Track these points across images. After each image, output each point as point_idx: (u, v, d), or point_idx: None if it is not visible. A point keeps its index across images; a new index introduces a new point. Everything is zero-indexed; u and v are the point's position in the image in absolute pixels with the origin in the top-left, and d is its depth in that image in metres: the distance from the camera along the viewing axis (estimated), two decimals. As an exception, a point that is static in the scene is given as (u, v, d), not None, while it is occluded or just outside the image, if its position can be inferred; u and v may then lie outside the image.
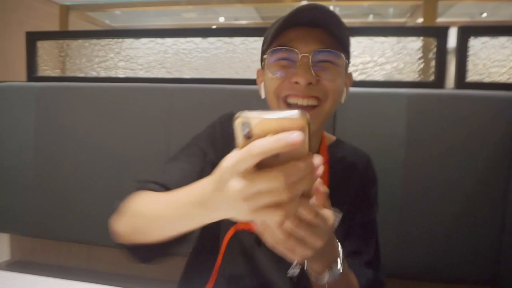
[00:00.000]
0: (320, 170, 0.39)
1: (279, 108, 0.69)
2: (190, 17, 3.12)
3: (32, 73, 1.37)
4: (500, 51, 1.09)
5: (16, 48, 1.53)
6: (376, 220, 0.81)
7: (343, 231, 0.75)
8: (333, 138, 0.87)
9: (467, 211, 1.01)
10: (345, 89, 0.72)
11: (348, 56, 0.71)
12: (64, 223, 1.22)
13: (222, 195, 0.40)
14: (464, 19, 3.72)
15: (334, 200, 0.70)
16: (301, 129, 0.35)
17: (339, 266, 0.57)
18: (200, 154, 0.75)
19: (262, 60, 0.74)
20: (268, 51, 0.69)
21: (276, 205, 0.38)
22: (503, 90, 1.04)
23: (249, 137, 0.36)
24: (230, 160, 0.37)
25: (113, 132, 1.18)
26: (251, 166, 0.36)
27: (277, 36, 0.67)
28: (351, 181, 0.79)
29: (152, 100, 1.17)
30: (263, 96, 0.74)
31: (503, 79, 1.11)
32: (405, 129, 1.02)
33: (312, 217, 0.44)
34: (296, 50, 0.65)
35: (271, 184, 0.36)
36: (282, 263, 0.67)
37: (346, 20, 0.67)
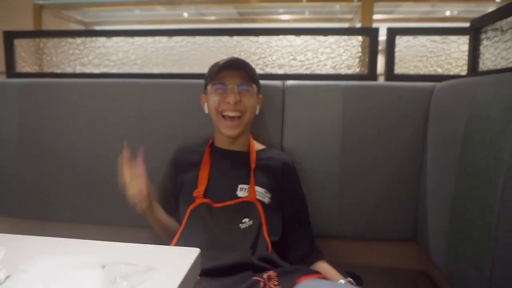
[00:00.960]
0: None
1: (218, 119, 1.07)
2: (160, 13, 3.23)
3: (11, 70, 1.48)
4: (420, 49, 1.30)
5: None
6: (302, 196, 1.15)
7: (276, 206, 1.07)
8: (263, 146, 1.20)
9: (392, 183, 1.20)
10: (257, 105, 1.11)
11: (258, 85, 1.10)
12: (46, 203, 1.36)
13: None
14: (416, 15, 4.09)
15: (265, 182, 1.07)
16: None
17: None
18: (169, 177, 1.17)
19: (205, 88, 1.11)
20: (210, 83, 1.07)
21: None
22: (423, 81, 1.24)
23: None
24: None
25: (90, 123, 1.31)
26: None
27: (216, 75, 1.05)
28: (274, 173, 1.10)
29: (125, 94, 1.30)
30: (206, 111, 1.12)
31: (423, 71, 1.32)
32: (341, 116, 1.21)
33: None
34: (227, 84, 1.04)
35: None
36: (227, 223, 0.99)
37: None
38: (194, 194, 1.04)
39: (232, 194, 1.03)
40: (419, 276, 1.22)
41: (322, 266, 1.05)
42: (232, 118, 1.05)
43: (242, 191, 1.04)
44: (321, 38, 1.33)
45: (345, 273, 1.22)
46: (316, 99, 1.23)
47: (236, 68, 1.05)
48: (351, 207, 1.23)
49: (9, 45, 1.48)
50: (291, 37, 1.35)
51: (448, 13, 4.46)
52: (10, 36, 1.48)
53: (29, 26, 1.65)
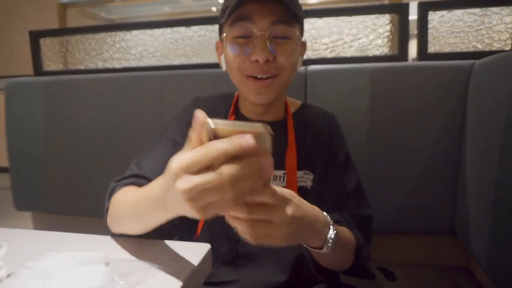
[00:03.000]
0: (270, 171, 0.41)
1: (241, 81, 0.76)
2: (188, 4, 3.20)
3: (38, 68, 1.51)
4: (456, 24, 1.18)
5: (22, 40, 1.68)
6: (354, 169, 0.86)
7: (319, 191, 0.81)
8: (299, 103, 0.91)
9: (427, 172, 1.11)
10: (300, 58, 0.79)
11: (302, 27, 0.77)
12: (74, 198, 1.38)
13: (172, 194, 0.41)
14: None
15: (305, 163, 0.80)
16: (259, 136, 0.38)
17: (333, 235, 0.60)
18: (171, 143, 0.80)
19: (220, 31, 0.79)
20: (227, 23, 0.72)
21: (222, 203, 0.39)
22: (460, 59, 1.13)
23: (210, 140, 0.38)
24: (182, 160, 0.38)
25: (113, 116, 1.32)
26: (204, 167, 0.37)
27: (235, 9, 0.69)
28: (318, 142, 0.84)
29: (146, 86, 1.29)
30: (224, 68, 0.80)
31: (460, 48, 1.20)
32: (369, 101, 1.13)
33: (269, 199, 0.46)
34: (254, 25, 0.69)
35: (214, 183, 0.36)
36: None
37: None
38: None
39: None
40: (460, 273, 1.13)
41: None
42: (262, 79, 0.74)
43: (277, 180, 0.80)
44: (345, 18, 1.24)
45: (377, 269, 1.15)
46: (341, 84, 1.15)
47: (273, 2, 0.68)
48: (382, 199, 1.14)
49: (35, 44, 1.51)
50: (313, 19, 1.27)
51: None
52: (36, 36, 1.51)
53: (54, 25, 1.68)
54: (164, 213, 0.50)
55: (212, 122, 0.39)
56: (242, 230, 0.47)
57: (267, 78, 0.73)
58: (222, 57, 0.79)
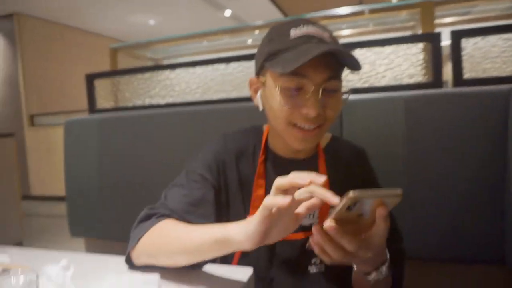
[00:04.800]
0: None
1: (287, 129, 0.74)
2: (226, 41, 3.43)
3: (92, 107, 1.67)
4: (491, 49, 1.18)
5: (77, 78, 1.88)
6: None
7: None
8: (329, 136, 0.91)
9: (469, 197, 1.08)
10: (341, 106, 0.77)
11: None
12: (125, 226, 1.47)
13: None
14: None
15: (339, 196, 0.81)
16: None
17: (385, 269, 0.66)
18: (201, 180, 0.81)
19: (259, 70, 0.76)
20: (273, 69, 0.69)
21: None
22: (497, 84, 1.12)
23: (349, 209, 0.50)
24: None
25: (160, 150, 1.41)
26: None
27: (291, 60, 0.65)
28: (350, 178, 0.83)
29: (189, 120, 1.38)
30: (261, 108, 0.79)
31: (498, 73, 1.19)
32: (405, 129, 1.14)
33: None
34: (308, 84, 0.68)
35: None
36: (291, 267, 0.76)
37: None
38: None
39: None
40: (512, 305, 1.07)
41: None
42: (307, 130, 0.73)
43: (308, 217, 0.78)
44: (377, 49, 1.28)
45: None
46: (375, 113, 1.17)
47: (327, 56, 0.65)
48: (422, 226, 1.12)
49: (90, 85, 1.67)
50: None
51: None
52: (91, 78, 1.67)
53: (107, 67, 1.84)
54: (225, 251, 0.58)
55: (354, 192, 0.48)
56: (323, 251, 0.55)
57: (313, 128, 0.73)
58: (259, 95, 0.78)
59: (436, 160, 1.11)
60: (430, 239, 1.12)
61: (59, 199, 1.69)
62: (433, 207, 1.11)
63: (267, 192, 0.73)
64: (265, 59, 0.73)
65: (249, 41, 3.75)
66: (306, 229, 0.78)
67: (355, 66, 0.68)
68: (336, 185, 0.79)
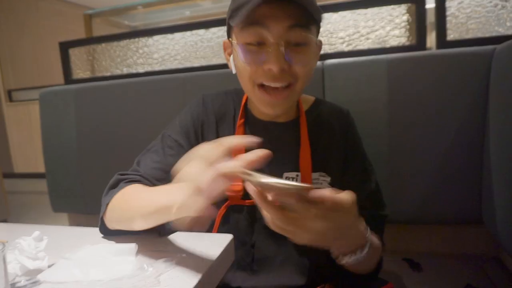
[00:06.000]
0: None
1: (253, 90, 0.71)
2: (208, 7, 3.27)
3: (68, 77, 1.60)
4: (476, 9, 1.15)
5: (52, 51, 1.79)
6: (372, 169, 0.85)
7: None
8: (311, 99, 0.87)
9: (450, 160, 1.09)
10: (316, 59, 0.74)
11: (319, 29, 0.71)
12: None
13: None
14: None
15: (320, 165, 0.77)
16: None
17: (364, 252, 0.60)
18: (175, 147, 0.79)
19: (229, 31, 0.72)
20: (236, 25, 0.65)
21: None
22: (480, 45, 1.10)
23: None
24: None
25: (139, 119, 1.38)
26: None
27: (248, 12, 0.61)
28: (333, 143, 0.81)
29: (169, 88, 1.34)
30: (234, 71, 0.75)
31: (482, 34, 1.17)
32: (388, 92, 1.13)
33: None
34: (267, 35, 0.63)
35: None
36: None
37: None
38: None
39: None
40: (488, 262, 1.11)
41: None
42: (275, 89, 0.69)
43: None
44: (360, 11, 1.24)
45: (403, 260, 1.15)
46: (358, 77, 1.15)
47: (289, 4, 0.62)
48: (404, 189, 1.14)
49: (65, 54, 1.60)
50: (328, 14, 1.28)
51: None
52: (65, 47, 1.60)
53: (82, 35, 1.76)
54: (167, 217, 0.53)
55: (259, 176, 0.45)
56: (268, 216, 0.50)
57: (281, 87, 0.68)
58: (231, 58, 0.74)
59: (418, 122, 1.11)
60: (411, 202, 1.14)
61: (41, 176, 1.65)
62: (414, 169, 1.12)
63: None
64: (229, 17, 0.69)
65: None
66: None
67: (316, 13, 0.65)
68: (319, 150, 0.80)
